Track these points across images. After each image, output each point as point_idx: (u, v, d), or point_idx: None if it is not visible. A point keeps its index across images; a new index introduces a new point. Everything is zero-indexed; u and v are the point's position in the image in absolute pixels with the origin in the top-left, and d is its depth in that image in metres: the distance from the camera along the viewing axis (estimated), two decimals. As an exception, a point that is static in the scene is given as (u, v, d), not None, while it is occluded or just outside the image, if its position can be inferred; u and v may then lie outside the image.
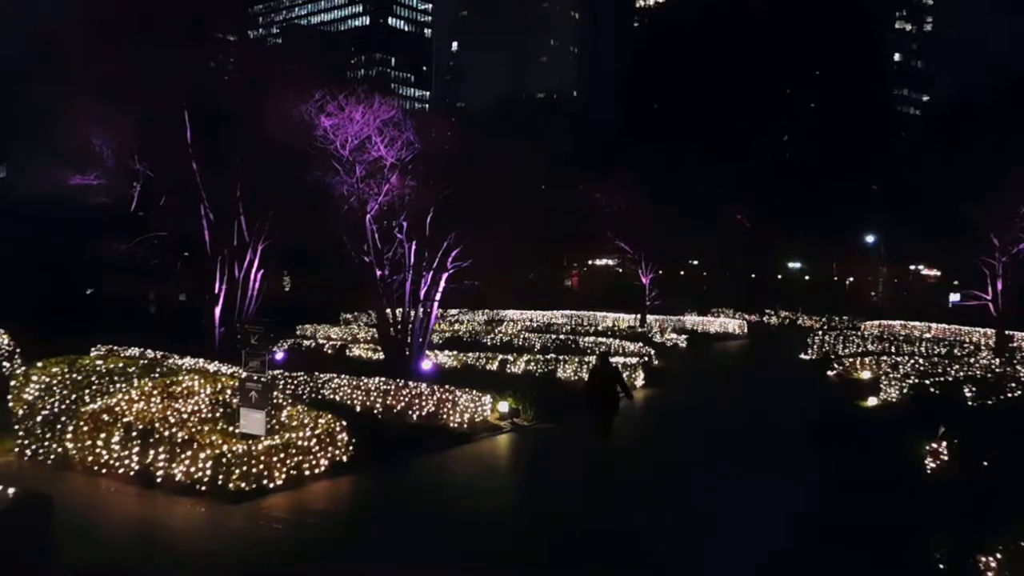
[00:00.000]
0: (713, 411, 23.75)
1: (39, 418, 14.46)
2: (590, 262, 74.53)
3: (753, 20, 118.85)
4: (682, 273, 73.18)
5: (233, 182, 25.46)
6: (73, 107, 23.21)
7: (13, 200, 32.71)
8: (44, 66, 26.65)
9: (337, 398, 19.82)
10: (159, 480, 12.96)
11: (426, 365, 26.01)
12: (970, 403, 22.32)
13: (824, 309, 56.60)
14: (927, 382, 23.84)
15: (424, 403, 19.11)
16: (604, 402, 16.69)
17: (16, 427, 14.75)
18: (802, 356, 36.37)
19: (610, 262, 71.71)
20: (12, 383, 15.36)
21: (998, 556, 9.30)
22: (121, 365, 16.19)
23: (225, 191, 25.55)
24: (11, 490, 8.21)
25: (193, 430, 13.61)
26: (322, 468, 14.09)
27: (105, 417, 13.94)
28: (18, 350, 18.64)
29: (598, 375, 17.04)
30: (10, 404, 15.05)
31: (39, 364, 15.63)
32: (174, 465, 12.97)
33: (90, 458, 13.65)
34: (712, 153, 63.43)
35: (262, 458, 13.08)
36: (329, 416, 15.14)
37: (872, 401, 23.87)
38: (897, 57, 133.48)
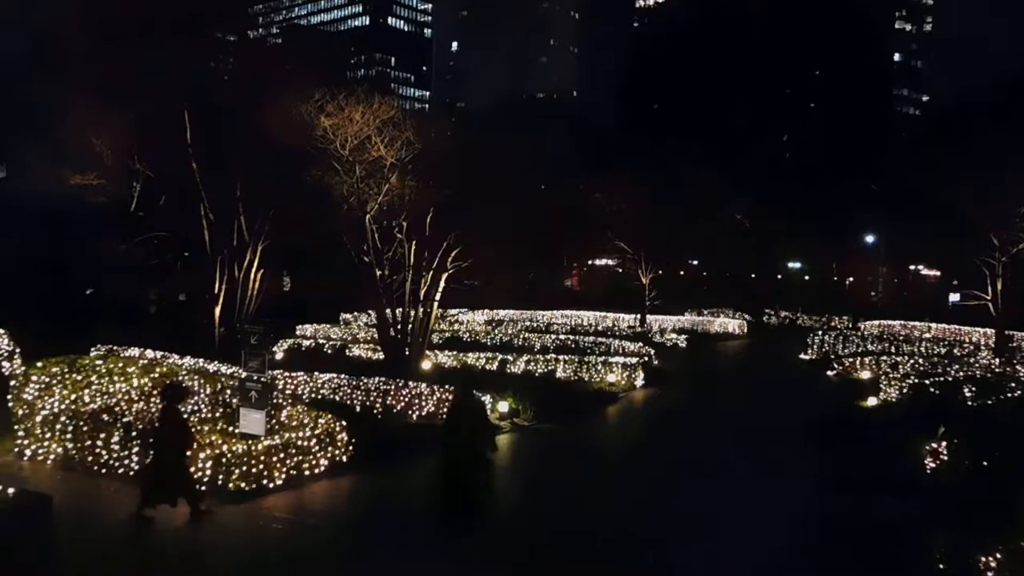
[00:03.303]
0: (713, 411, 23.75)
1: (39, 418, 14.45)
2: (590, 262, 74.39)
3: (753, 20, 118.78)
4: (682, 273, 73.07)
5: (233, 182, 25.46)
6: (73, 107, 23.22)
7: (13, 200, 32.70)
8: (44, 66, 26.64)
9: (337, 398, 19.81)
10: (159, 480, 12.95)
11: (426, 365, 26.01)
12: (970, 403, 22.33)
13: (824, 309, 56.61)
14: (927, 382, 23.85)
15: (424, 403, 19.11)
16: (462, 451, 12.22)
17: (16, 427, 14.75)
18: (802, 356, 36.37)
19: (610, 262, 71.58)
20: (12, 383, 15.36)
21: (998, 556, 9.30)
22: (121, 365, 16.19)
23: (225, 191, 25.56)
24: (11, 490, 8.22)
25: (193, 430, 13.59)
26: (322, 468, 14.09)
27: (105, 417, 13.95)
28: (18, 350, 18.61)
29: (460, 412, 12.80)
30: (10, 404, 15.05)
31: (39, 364, 15.64)
32: (174, 465, 12.96)
33: (90, 458, 13.65)
34: (712, 153, 63.30)
35: (262, 458, 13.08)
36: (329, 416, 15.14)
37: (872, 401, 23.87)
38: (897, 57, 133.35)
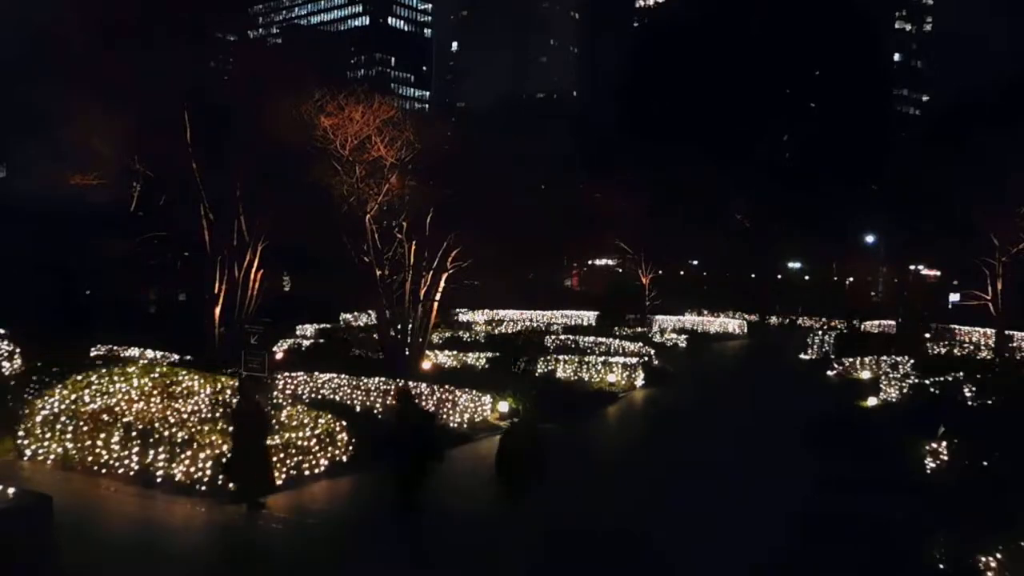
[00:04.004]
0: (713, 411, 23.75)
1: (39, 418, 14.45)
2: (590, 262, 74.39)
3: (753, 20, 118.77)
4: (682, 273, 73.04)
5: (233, 182, 25.44)
6: (73, 107, 23.18)
7: (13, 200, 32.67)
8: (44, 66, 26.61)
9: (337, 398, 19.81)
10: (159, 480, 12.96)
11: (426, 365, 26.01)
12: (970, 403, 22.32)
13: (824, 310, 56.62)
14: (927, 382, 23.84)
15: (424, 403, 19.09)
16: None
17: (16, 427, 14.75)
18: (802, 356, 36.36)
19: (610, 262, 71.62)
20: (12, 383, 15.37)
21: (998, 556, 9.30)
22: (121, 365, 16.19)
23: (225, 191, 25.54)
24: (11, 490, 8.22)
25: (193, 430, 13.61)
26: (322, 468, 14.09)
27: (105, 417, 13.95)
28: (18, 350, 18.63)
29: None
30: (10, 404, 15.05)
31: (39, 364, 15.64)
32: (174, 465, 12.97)
33: (90, 458, 13.65)
34: (712, 153, 63.34)
35: (262, 458, 13.07)
36: (329, 416, 15.14)
37: (872, 401, 23.88)
38: (897, 57, 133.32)
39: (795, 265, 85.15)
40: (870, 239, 68.41)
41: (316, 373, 20.88)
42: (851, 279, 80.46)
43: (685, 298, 56.25)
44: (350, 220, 24.64)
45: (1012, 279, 33.10)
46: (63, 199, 27.96)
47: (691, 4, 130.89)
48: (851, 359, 30.54)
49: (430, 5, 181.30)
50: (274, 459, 13.17)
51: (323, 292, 38.16)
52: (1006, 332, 34.87)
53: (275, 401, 15.23)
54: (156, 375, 15.91)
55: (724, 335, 48.33)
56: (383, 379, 20.15)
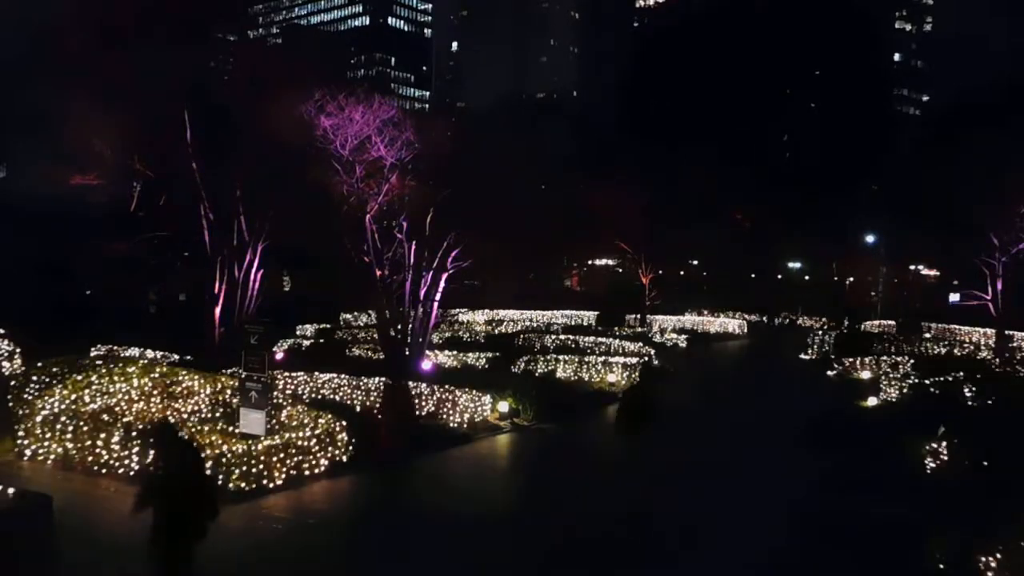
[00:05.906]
0: (713, 411, 23.74)
1: (39, 418, 14.46)
2: (590, 262, 74.42)
3: (753, 20, 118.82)
4: (682, 273, 73.08)
5: (233, 182, 25.45)
6: (73, 107, 23.18)
7: (13, 200, 32.68)
8: (44, 66, 26.62)
9: (337, 398, 19.81)
10: (159, 480, 12.95)
11: (426, 365, 26.00)
12: (970, 403, 22.32)
13: (824, 309, 56.62)
14: (927, 382, 23.84)
15: (424, 403, 19.11)
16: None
17: (16, 427, 14.75)
18: (802, 356, 36.36)
19: (610, 262, 71.69)
20: (12, 383, 15.37)
21: (998, 556, 9.31)
22: (121, 365, 16.20)
23: (225, 191, 25.54)
24: (11, 490, 8.22)
25: (193, 430, 13.61)
26: (322, 468, 14.09)
27: (105, 417, 13.95)
28: (18, 350, 18.63)
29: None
30: (10, 404, 15.05)
31: (39, 364, 15.65)
32: (174, 465, 12.96)
33: (90, 458, 13.65)
34: (712, 153, 63.34)
35: (262, 458, 13.09)
36: (329, 416, 15.15)
37: (872, 401, 23.88)
38: (897, 57, 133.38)
39: (795, 265, 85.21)
40: (870, 239, 68.37)
41: (316, 373, 20.88)
42: (851, 279, 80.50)
43: (685, 298, 56.25)
44: (350, 220, 24.61)
45: (1012, 279, 33.10)
46: (63, 199, 27.98)
47: (691, 4, 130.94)
48: (851, 359, 30.53)
49: (430, 5, 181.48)
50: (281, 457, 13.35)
51: (323, 292, 38.18)
52: (1006, 332, 34.86)
53: (275, 401, 15.22)
54: (156, 375, 15.93)
55: (724, 335, 48.32)
56: (383, 379, 20.13)
